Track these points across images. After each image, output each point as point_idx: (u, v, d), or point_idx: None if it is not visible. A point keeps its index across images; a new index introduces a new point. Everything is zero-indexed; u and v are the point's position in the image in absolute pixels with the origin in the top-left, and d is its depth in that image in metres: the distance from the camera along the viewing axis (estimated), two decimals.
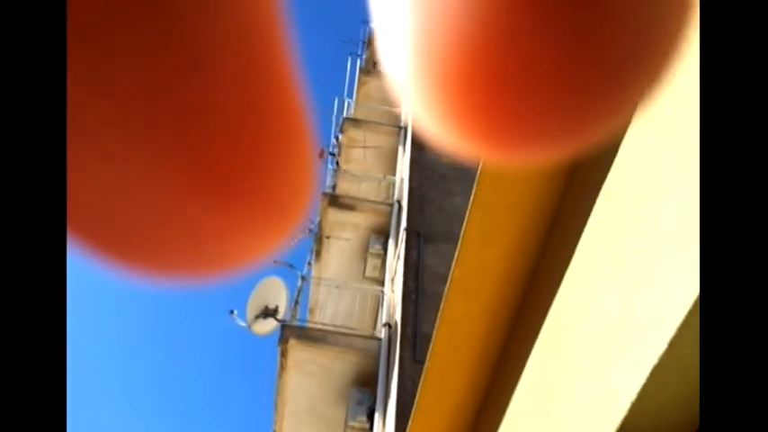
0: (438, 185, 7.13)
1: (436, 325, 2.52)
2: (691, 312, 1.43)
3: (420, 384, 2.65)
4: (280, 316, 5.77)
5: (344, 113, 9.08)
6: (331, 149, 8.73)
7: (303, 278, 6.35)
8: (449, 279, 2.40)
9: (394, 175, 8.19)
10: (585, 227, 2.05)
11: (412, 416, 2.74)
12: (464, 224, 2.28)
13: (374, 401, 5.48)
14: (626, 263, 1.76)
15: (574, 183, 2.22)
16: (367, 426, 5.45)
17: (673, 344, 1.48)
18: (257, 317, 5.83)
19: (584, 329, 1.92)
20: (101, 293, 21.15)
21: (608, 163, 1.94)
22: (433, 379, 2.60)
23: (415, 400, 2.69)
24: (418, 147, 7.56)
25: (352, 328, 6.25)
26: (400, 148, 8.46)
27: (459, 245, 2.31)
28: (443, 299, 2.45)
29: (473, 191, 2.24)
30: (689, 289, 1.43)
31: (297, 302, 6.05)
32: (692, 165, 1.52)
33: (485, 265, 2.35)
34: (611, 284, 1.81)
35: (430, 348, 2.57)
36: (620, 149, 1.89)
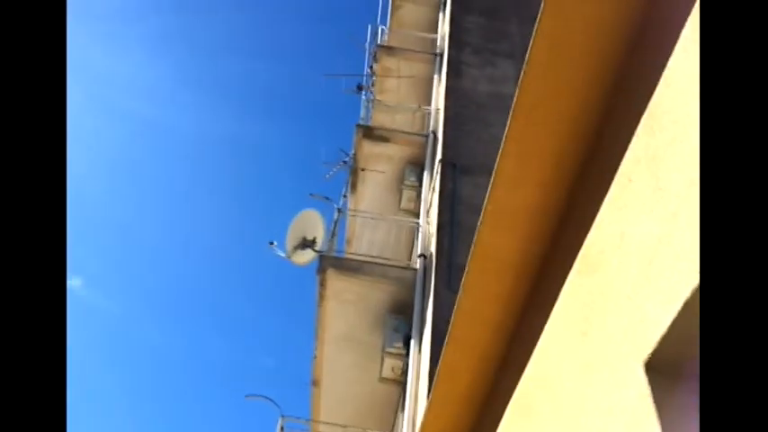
0: (475, 115, 6.99)
1: (469, 255, 2.54)
2: None
3: (453, 313, 2.70)
4: (317, 247, 5.90)
5: (378, 41, 8.84)
6: (365, 80, 8.59)
7: (339, 210, 6.43)
8: (482, 212, 2.39)
9: (429, 104, 8.04)
10: (624, 156, 2.00)
11: (445, 344, 2.82)
12: (497, 157, 2.25)
13: (410, 329, 5.64)
14: (664, 192, 1.72)
15: (613, 109, 2.14)
16: (403, 351, 5.64)
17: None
18: (296, 248, 5.98)
19: (620, 258, 1.91)
20: (144, 239, 21.96)
21: (648, 91, 1.86)
22: (466, 308, 2.65)
23: (449, 329, 2.76)
24: (455, 74, 7.36)
25: (387, 259, 6.36)
26: (435, 77, 8.25)
27: (492, 178, 2.28)
28: (476, 231, 2.45)
29: (507, 123, 2.19)
30: None
31: (334, 234, 6.17)
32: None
33: (518, 197, 2.33)
34: (649, 214, 1.78)
35: (463, 279, 2.60)
36: (660, 79, 1.80)
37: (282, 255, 5.96)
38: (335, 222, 6.27)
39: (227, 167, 22.50)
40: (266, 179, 23.11)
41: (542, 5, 1.99)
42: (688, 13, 1.72)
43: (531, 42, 2.08)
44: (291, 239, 6.02)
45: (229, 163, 22.48)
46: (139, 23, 21.47)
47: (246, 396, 5.79)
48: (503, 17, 7.89)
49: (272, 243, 6.02)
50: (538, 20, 2.04)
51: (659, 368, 1.64)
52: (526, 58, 2.09)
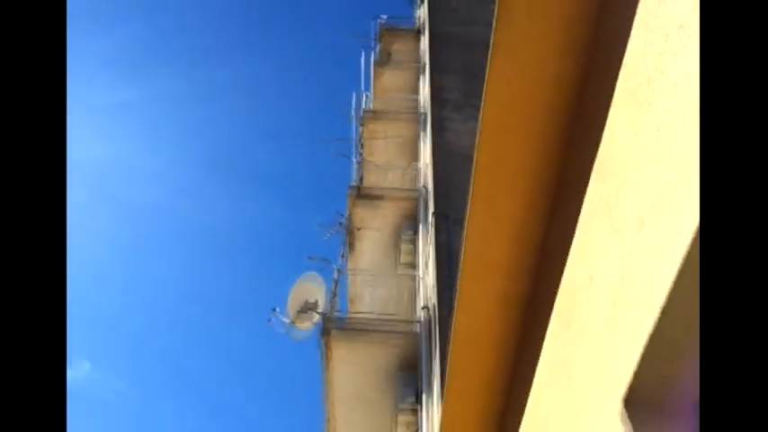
0: (461, 166, 7.16)
1: (454, 312, 2.62)
2: (678, 278, 1.49)
3: (447, 368, 2.76)
4: (319, 310, 5.95)
5: (363, 107, 9.16)
6: (354, 144, 8.84)
7: (339, 271, 6.51)
8: (459, 269, 2.49)
9: (418, 161, 8.25)
10: (584, 201, 2.11)
11: (444, 399, 2.85)
12: (466, 216, 2.36)
13: (420, 383, 5.62)
14: (620, 233, 1.82)
15: (569, 159, 2.27)
16: (416, 407, 5.60)
17: (666, 310, 1.54)
18: (298, 313, 6.03)
19: (591, 300, 1.99)
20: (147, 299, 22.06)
21: (596, 140, 1.99)
22: (457, 365, 2.71)
23: (445, 384, 2.80)
24: (439, 131, 7.59)
25: (391, 315, 6.39)
26: (421, 134, 8.50)
27: (464, 236, 2.39)
28: (457, 287, 2.54)
29: (471, 180, 2.32)
30: (676, 255, 1.49)
31: (335, 295, 6.22)
32: (670, 138, 1.57)
33: (492, 251, 2.43)
34: (609, 255, 1.87)
35: (451, 336, 2.67)
36: (605, 127, 1.94)
37: (286, 321, 6.00)
38: (336, 283, 6.34)
39: (223, 242, 22.72)
40: (263, 249, 23.26)
41: (487, 72, 2.15)
42: (618, 70, 1.86)
43: (482, 105, 2.23)
44: (293, 305, 6.08)
45: (225, 238, 22.71)
46: (134, 113, 22.23)
47: None
48: (479, 73, 8.19)
49: (274, 310, 6.08)
50: (485, 84, 2.19)
51: (637, 404, 1.70)
52: (480, 119, 2.23)
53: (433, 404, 5.39)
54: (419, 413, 5.64)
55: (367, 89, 9.54)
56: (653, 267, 1.61)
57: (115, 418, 21.88)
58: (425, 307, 6.15)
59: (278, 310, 6.08)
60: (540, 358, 2.39)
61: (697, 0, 1.37)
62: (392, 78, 9.67)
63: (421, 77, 9.35)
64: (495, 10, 1.84)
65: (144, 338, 23.03)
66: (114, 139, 21.94)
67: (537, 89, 2.05)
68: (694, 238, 1.43)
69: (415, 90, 9.38)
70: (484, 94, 2.05)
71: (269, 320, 5.90)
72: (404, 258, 7.39)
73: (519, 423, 2.57)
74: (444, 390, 2.76)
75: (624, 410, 1.70)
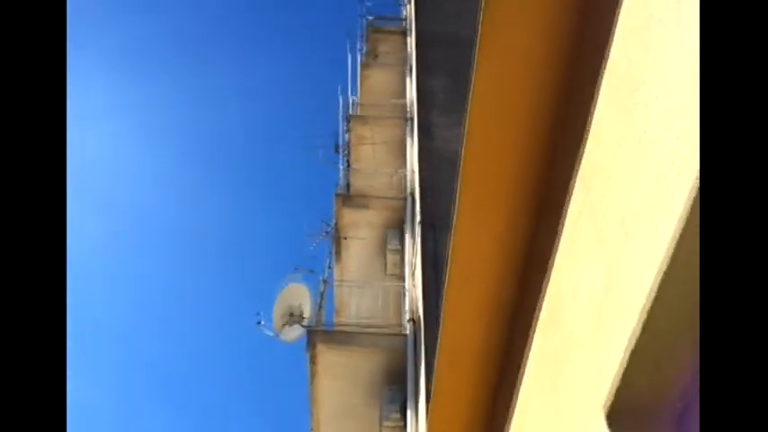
0: (449, 173, 7.13)
1: (440, 319, 2.57)
2: (659, 292, 1.45)
3: (433, 381, 2.70)
4: (305, 321, 5.87)
5: (350, 111, 9.11)
6: (340, 150, 8.78)
7: (324, 282, 6.44)
8: (446, 276, 2.44)
9: (405, 167, 8.21)
10: (569, 209, 2.07)
11: (429, 412, 2.79)
12: (453, 219, 2.31)
13: (405, 397, 5.55)
14: (604, 245, 1.78)
15: (555, 168, 2.23)
16: (401, 423, 5.52)
17: (646, 327, 1.50)
18: (284, 324, 5.94)
19: (575, 311, 1.95)
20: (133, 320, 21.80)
21: (580, 146, 1.96)
22: (444, 374, 2.65)
23: (431, 397, 2.75)
24: (426, 136, 7.56)
25: (377, 327, 6.32)
26: (408, 140, 8.46)
27: (451, 237, 2.34)
28: (443, 294, 2.49)
29: (457, 187, 2.27)
30: (656, 266, 1.45)
31: (321, 306, 6.14)
32: (651, 151, 1.54)
33: (478, 258, 2.38)
34: (593, 266, 1.83)
35: (437, 344, 2.62)
36: (588, 139, 1.90)
37: (270, 333, 5.91)
38: (322, 294, 6.27)
39: (207, 245, 22.44)
40: (249, 255, 23.00)
41: (474, 73, 2.11)
42: (603, 71, 1.83)
43: (468, 107, 2.19)
44: (278, 315, 5.99)
45: (209, 240, 22.43)
46: (123, 113, 21.99)
47: None
48: (467, 76, 8.18)
49: (259, 323, 5.99)
50: (472, 83, 2.16)
51: (619, 418, 1.65)
52: (465, 122, 2.19)
53: (418, 416, 5.32)
54: (404, 429, 5.57)
55: (354, 92, 9.49)
56: (635, 280, 1.57)
57: (90, 427, 21.48)
58: (411, 319, 6.09)
59: (263, 322, 5.99)
60: (526, 368, 2.34)
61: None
62: (379, 80, 9.63)
63: (408, 80, 9.32)
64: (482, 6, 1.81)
65: (124, 342, 22.68)
66: (103, 139, 21.60)
67: (524, 88, 2.02)
68: (675, 252, 1.39)
69: (403, 92, 9.35)
70: (470, 93, 2.01)
71: (258, 323, 5.80)
72: (390, 268, 7.33)
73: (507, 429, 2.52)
74: (430, 401, 2.71)
75: (606, 421, 1.66)
